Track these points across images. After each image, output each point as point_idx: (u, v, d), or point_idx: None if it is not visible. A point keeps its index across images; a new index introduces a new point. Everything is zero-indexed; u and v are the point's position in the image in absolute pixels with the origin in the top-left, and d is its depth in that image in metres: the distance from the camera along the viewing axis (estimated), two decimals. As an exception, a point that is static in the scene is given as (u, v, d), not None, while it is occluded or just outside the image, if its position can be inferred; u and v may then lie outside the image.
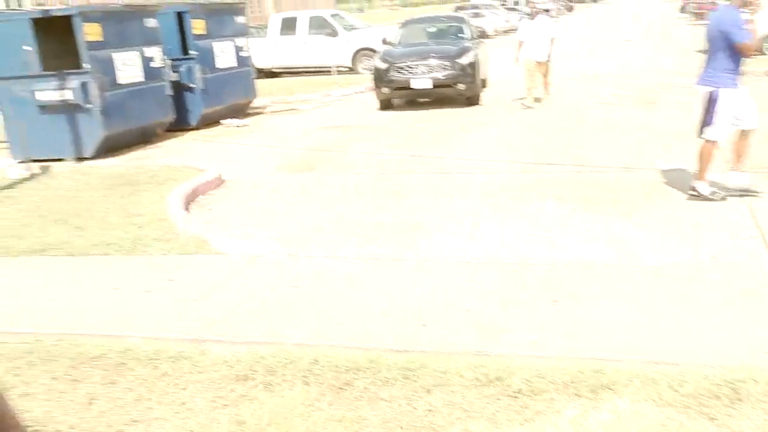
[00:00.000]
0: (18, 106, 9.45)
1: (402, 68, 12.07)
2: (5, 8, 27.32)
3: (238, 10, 13.08)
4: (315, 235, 5.77)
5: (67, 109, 9.41)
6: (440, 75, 11.91)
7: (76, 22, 9.29)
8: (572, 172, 7.16)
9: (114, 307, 4.30)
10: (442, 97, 12.17)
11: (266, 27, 20.72)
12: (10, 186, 8.01)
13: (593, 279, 4.26)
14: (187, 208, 6.66)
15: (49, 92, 9.37)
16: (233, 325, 3.90)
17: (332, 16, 20.49)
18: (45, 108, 9.44)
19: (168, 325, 3.94)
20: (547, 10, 43.54)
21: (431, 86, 11.95)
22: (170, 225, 5.95)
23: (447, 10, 36.63)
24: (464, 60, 11.98)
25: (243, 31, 12.87)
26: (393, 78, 12.11)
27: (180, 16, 11.45)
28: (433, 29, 14.03)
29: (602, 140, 8.65)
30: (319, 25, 19.82)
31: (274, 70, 19.84)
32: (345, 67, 19.05)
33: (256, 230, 5.97)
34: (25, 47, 9.29)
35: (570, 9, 54.58)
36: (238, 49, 12.53)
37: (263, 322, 3.93)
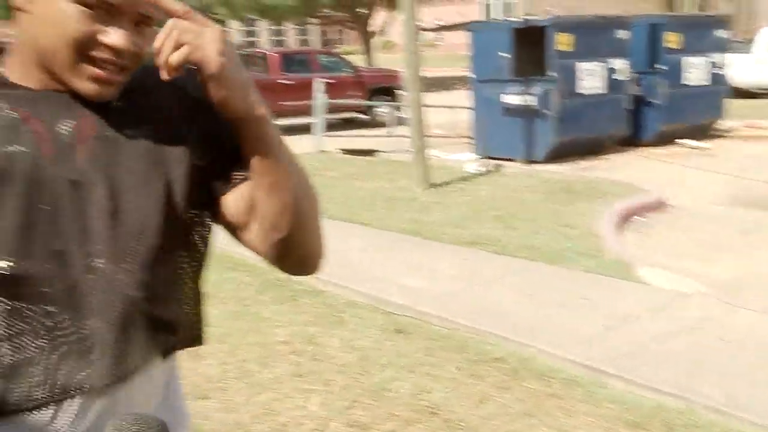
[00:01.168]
0: (486, 107, 10.32)
1: None
2: (500, 18, 30.18)
3: (720, 23, 12.06)
4: (760, 284, 5.02)
5: (526, 114, 9.91)
6: None
7: (549, 31, 9.69)
8: None
9: (523, 313, 4.37)
10: None
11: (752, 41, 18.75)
12: (465, 179, 8.80)
13: None
14: (619, 228, 6.44)
15: (514, 96, 10.00)
16: (637, 364, 3.61)
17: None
18: (508, 111, 10.10)
19: (570, 346, 3.84)
20: None
21: None
22: (598, 242, 5.82)
23: None
24: None
25: (721, 46, 11.83)
26: None
27: (653, 28, 11.07)
28: None
29: None
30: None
31: (752, 90, 17.84)
32: None
33: (688, 265, 5.45)
34: (501, 54, 10.08)
35: None
36: (712, 65, 11.58)
37: (672, 369, 3.55)
